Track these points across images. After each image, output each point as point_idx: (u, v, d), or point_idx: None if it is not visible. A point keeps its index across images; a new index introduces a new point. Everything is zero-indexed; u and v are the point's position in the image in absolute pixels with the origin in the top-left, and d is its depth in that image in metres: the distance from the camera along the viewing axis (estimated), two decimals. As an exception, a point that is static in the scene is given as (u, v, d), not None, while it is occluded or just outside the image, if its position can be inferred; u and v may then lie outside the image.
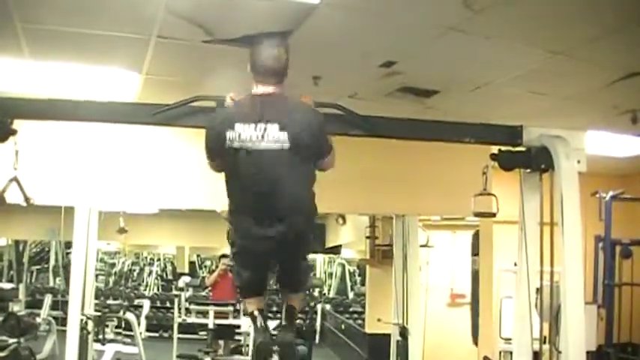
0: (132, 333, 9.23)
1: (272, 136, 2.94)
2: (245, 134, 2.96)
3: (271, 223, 3.08)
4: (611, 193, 7.39)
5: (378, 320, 8.08)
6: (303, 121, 3.03)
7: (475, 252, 7.87)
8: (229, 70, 4.54)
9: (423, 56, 4.27)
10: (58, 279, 13.67)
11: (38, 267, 16.34)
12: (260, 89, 3.11)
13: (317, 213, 3.31)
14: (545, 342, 4.48)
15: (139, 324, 9.84)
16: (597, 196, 7.33)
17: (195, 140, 5.49)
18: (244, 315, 8.51)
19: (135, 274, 20.00)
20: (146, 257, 20.50)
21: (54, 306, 9.51)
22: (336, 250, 14.84)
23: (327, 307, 15.63)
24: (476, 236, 7.84)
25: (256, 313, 3.42)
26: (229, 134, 2.99)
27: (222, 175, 3.40)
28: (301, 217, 3.16)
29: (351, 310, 14.91)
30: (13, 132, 3.59)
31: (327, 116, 3.60)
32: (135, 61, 4.48)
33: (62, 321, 7.89)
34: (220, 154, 3.10)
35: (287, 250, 3.23)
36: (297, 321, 3.68)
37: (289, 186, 3.06)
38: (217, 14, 3.68)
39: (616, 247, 7.43)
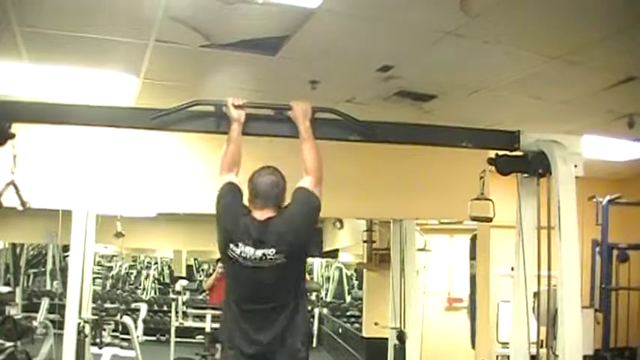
0: (129, 337, 9.21)
1: (269, 258, 3.22)
2: (245, 253, 3.24)
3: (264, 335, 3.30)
4: (608, 198, 7.40)
5: (376, 324, 8.08)
6: (295, 236, 3.27)
7: (473, 256, 7.87)
8: (228, 74, 4.56)
9: (420, 61, 4.28)
10: (55, 282, 13.61)
11: (35, 270, 16.28)
12: (259, 214, 3.32)
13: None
14: (542, 346, 4.49)
15: (136, 327, 9.81)
16: (594, 200, 7.34)
17: (194, 144, 5.56)
18: None
19: (132, 277, 19.96)
20: (143, 261, 20.45)
21: (51, 309, 9.47)
22: (333, 254, 14.83)
23: (325, 310, 15.62)
24: (473, 240, 7.84)
25: None
26: (232, 246, 3.27)
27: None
28: (297, 336, 3.33)
29: (348, 314, 14.89)
30: (12, 136, 3.58)
31: (324, 121, 3.63)
32: (133, 64, 4.49)
33: (59, 324, 7.86)
34: (223, 253, 3.35)
35: None
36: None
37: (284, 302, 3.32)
38: (215, 19, 3.68)
39: (613, 252, 7.43)
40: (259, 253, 3.22)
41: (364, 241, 9.95)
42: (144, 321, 13.44)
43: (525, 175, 4.03)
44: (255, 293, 3.32)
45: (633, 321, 7.57)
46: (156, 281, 19.28)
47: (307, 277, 13.36)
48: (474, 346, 7.70)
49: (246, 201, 3.42)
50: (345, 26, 3.72)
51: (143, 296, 17.18)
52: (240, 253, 3.24)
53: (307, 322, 3.64)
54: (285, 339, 3.29)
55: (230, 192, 3.41)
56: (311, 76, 4.68)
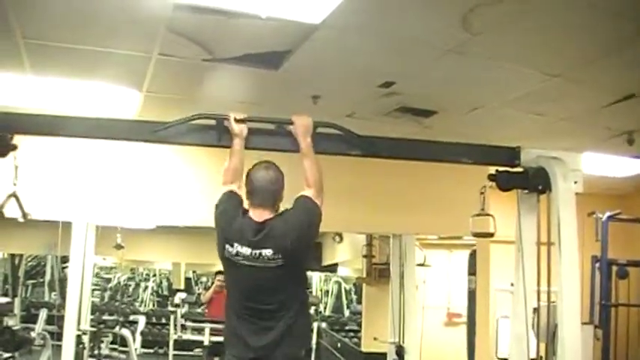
0: (127, 349, 9.20)
1: (266, 258, 3.21)
2: (242, 254, 3.23)
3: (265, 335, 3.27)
4: (607, 214, 7.40)
5: (375, 339, 8.06)
6: (295, 238, 3.24)
7: (472, 271, 7.86)
8: (230, 88, 4.58)
9: (421, 77, 4.30)
10: (53, 293, 13.59)
11: (34, 281, 16.24)
12: (256, 215, 3.31)
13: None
14: (541, 362, 4.48)
15: (134, 340, 9.80)
16: (594, 216, 7.34)
17: (194, 158, 5.57)
18: None
19: (130, 289, 19.87)
20: (142, 273, 20.38)
21: (49, 320, 9.45)
22: (332, 268, 14.80)
23: (323, 325, 15.53)
24: (473, 255, 7.83)
25: None
26: (228, 247, 3.26)
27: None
28: (294, 338, 3.32)
29: (347, 328, 14.83)
30: (14, 147, 3.60)
31: (325, 136, 3.64)
32: (136, 78, 4.50)
33: (57, 336, 7.85)
34: (221, 256, 3.35)
35: None
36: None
37: (283, 304, 3.30)
38: (218, 33, 3.70)
39: (612, 268, 7.43)
40: (256, 252, 3.20)
41: (364, 256, 9.94)
42: (142, 333, 13.43)
43: (525, 191, 4.03)
44: (253, 296, 3.30)
45: (633, 337, 7.56)
46: (154, 293, 19.22)
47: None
48: (471, 362, 7.69)
49: (245, 204, 3.41)
50: (348, 42, 3.74)
51: (141, 308, 17.12)
52: (237, 253, 3.23)
53: (308, 331, 3.64)
54: (283, 346, 3.27)
55: (229, 198, 3.42)
56: (313, 91, 4.69)
